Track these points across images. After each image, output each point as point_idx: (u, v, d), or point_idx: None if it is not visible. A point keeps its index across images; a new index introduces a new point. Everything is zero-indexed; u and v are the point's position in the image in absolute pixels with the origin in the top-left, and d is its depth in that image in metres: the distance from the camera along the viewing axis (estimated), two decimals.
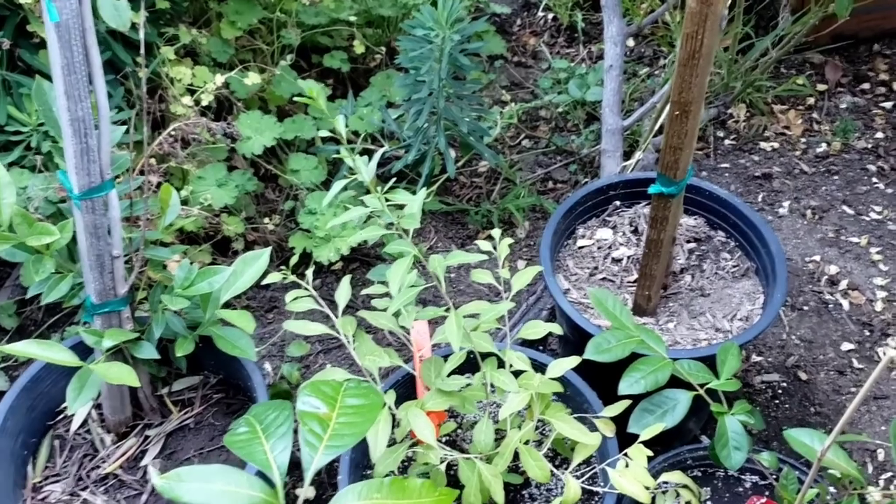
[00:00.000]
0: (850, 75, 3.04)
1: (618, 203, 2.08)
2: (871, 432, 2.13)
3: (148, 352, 1.67)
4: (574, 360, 1.54)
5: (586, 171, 2.75)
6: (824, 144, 2.82)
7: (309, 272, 1.66)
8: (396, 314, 1.65)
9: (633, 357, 1.50)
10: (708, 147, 2.84)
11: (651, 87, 2.95)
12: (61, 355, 1.53)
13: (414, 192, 2.45)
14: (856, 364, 2.25)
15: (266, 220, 2.40)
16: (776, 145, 2.84)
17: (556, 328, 1.59)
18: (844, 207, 2.63)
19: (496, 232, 1.66)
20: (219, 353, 1.69)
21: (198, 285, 1.62)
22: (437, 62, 2.17)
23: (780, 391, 2.21)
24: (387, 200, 1.45)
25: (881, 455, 2.07)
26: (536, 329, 1.61)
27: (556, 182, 2.77)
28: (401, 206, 1.49)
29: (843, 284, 2.42)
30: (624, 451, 1.50)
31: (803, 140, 2.84)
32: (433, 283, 2.44)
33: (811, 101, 2.96)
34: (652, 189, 1.62)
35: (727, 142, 2.86)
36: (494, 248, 1.65)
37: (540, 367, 1.67)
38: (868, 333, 2.32)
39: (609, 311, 1.52)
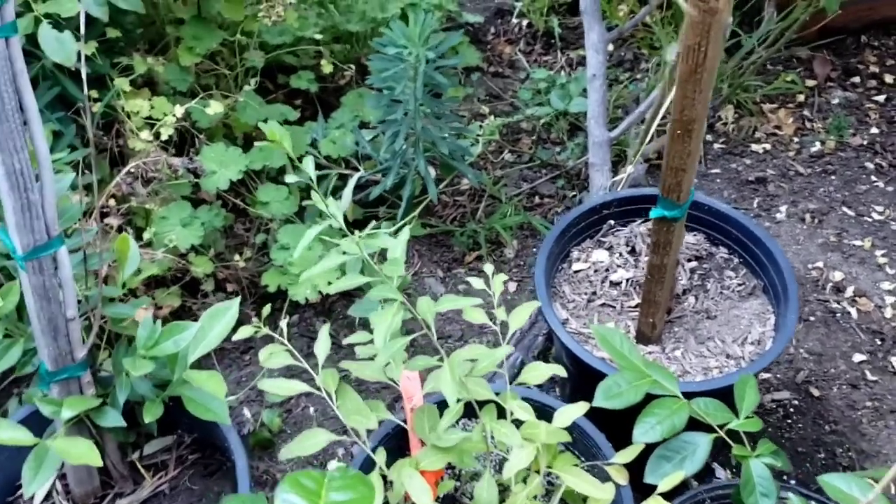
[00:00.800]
0: (839, 69, 2.93)
1: (612, 222, 1.95)
2: (890, 449, 2.01)
3: (113, 419, 1.52)
4: (582, 407, 1.40)
5: (573, 184, 2.62)
6: (818, 143, 2.71)
7: (283, 323, 1.51)
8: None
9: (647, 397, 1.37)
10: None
11: (634, 93, 2.82)
12: (13, 434, 1.38)
13: (394, 218, 2.32)
14: (869, 376, 2.14)
15: (236, 256, 2.25)
16: (768, 147, 2.72)
17: (560, 370, 1.45)
18: (844, 209, 2.52)
19: (488, 267, 1.52)
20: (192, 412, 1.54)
21: (162, 345, 1.48)
22: (411, 81, 2.03)
23: (791, 410, 2.09)
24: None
25: None
26: (538, 372, 1.47)
27: (542, 197, 2.64)
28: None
29: (850, 291, 2.30)
30: None
31: (796, 140, 2.73)
32: (421, 325, 2.31)
33: (801, 98, 2.85)
34: (653, 213, 1.49)
35: (716, 146, 2.74)
36: (487, 284, 1.51)
37: (542, 411, 1.54)
38: (879, 342, 2.20)
39: (617, 351, 1.39)
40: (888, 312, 2.25)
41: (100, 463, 1.35)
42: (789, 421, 2.07)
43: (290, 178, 1.19)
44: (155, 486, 1.70)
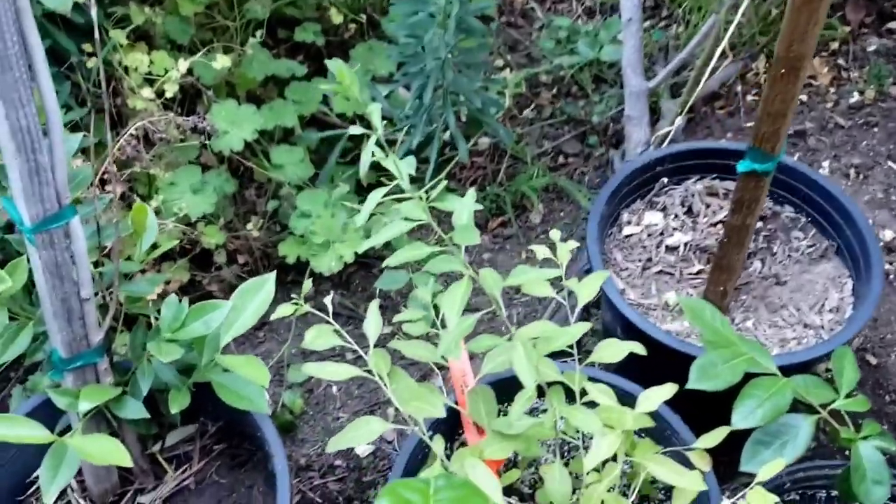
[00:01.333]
0: (873, 14, 2.77)
1: (665, 180, 1.79)
2: None
3: (134, 411, 1.35)
4: (671, 389, 1.25)
5: (601, 140, 2.46)
6: (857, 93, 2.55)
7: (327, 300, 1.34)
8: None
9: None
10: (730, 105, 2.56)
11: (660, 41, 2.64)
12: (28, 431, 1.21)
13: (421, 181, 2.14)
14: None
15: (248, 224, 2.06)
16: (804, 98, 2.56)
17: (640, 348, 1.30)
18: (890, 163, 2.37)
19: (555, 234, 1.36)
20: (218, 397, 1.37)
21: (190, 326, 1.31)
22: (440, 27, 1.85)
23: None
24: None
25: None
26: (613, 349, 1.31)
27: (567, 156, 2.47)
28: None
29: None
30: (741, 494, 1.23)
31: (833, 90, 2.58)
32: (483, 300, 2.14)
33: (835, 45, 2.69)
34: (741, 166, 1.33)
35: (750, 97, 2.58)
36: (553, 252, 1.35)
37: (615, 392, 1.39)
38: None
39: (709, 325, 1.24)
40: None
41: (129, 463, 1.19)
42: None
43: (354, 130, 1.01)
44: (179, 480, 1.53)
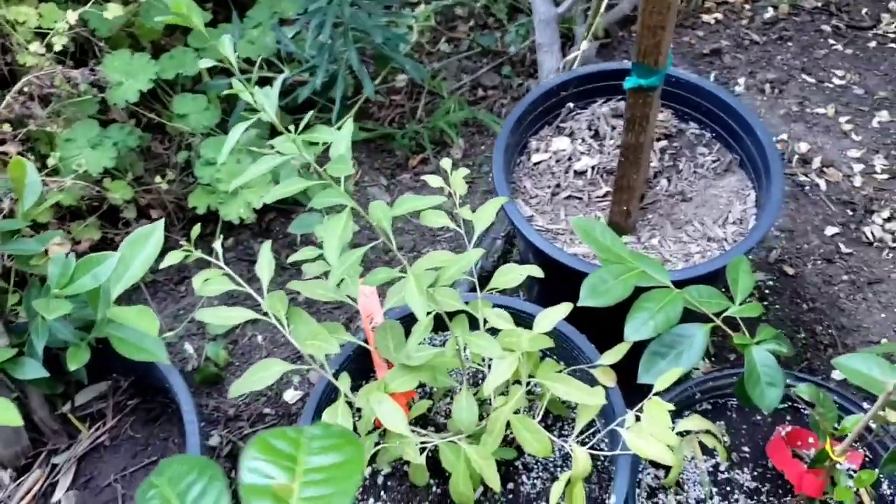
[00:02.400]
0: None
1: (571, 105, 1.78)
2: (870, 322, 1.93)
3: (33, 370, 1.33)
4: (565, 308, 1.25)
5: (518, 72, 2.43)
6: (771, 9, 2.55)
7: (217, 244, 1.32)
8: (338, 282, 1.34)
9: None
10: None
11: None
12: None
13: (329, 122, 2.11)
14: (843, 249, 2.04)
15: (158, 178, 2.02)
16: (720, 16, 2.56)
17: (537, 271, 1.30)
18: (804, 76, 2.38)
19: (446, 162, 1.34)
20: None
21: (79, 281, 1.28)
22: None
23: (767, 291, 1.99)
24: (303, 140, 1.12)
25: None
26: (512, 275, 1.31)
27: (486, 89, 2.45)
28: (314, 144, 1.17)
29: (817, 162, 2.19)
30: (638, 406, 1.24)
31: (748, 7, 2.57)
32: (374, 233, 2.13)
33: None
34: (628, 83, 1.32)
35: None
36: (446, 181, 1.34)
37: (518, 317, 1.39)
38: (851, 213, 2.10)
39: (599, 243, 1.23)
40: (857, 181, 2.14)
41: (19, 422, 1.16)
42: (765, 303, 1.97)
43: (203, 62, 0.98)
44: (93, 437, 1.52)
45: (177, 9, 0.91)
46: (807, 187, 2.14)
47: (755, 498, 1.44)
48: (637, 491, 1.45)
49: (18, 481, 1.47)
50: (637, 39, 1.27)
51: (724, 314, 1.26)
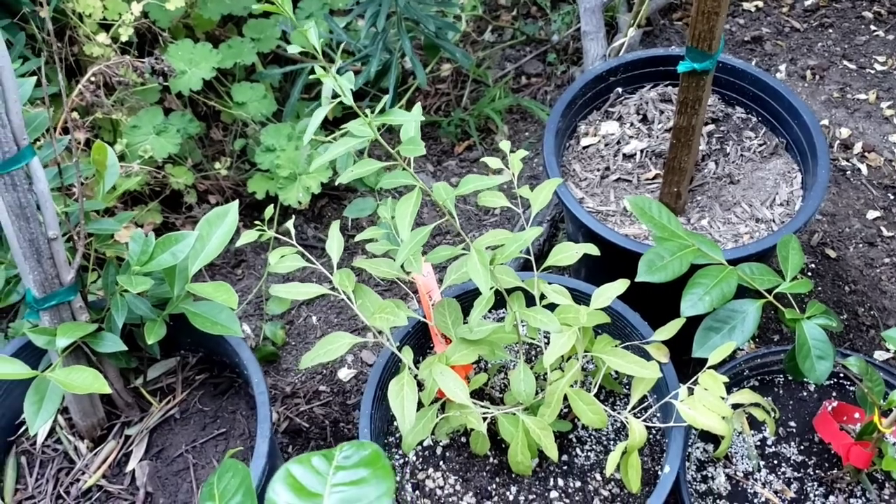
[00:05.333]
0: None
1: (620, 90, 1.83)
2: None
3: (112, 344, 1.40)
4: (622, 285, 1.31)
5: (562, 59, 2.48)
6: None
7: (289, 224, 1.38)
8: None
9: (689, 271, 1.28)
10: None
11: None
12: (9, 368, 1.26)
13: (383, 110, 2.16)
14: (885, 232, 2.07)
15: (216, 164, 2.09)
16: (760, 4, 2.58)
17: (593, 249, 1.35)
18: (845, 62, 2.41)
19: (505, 144, 1.40)
20: (195, 329, 1.42)
21: (158, 258, 1.35)
22: None
23: (809, 274, 2.03)
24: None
25: None
26: (567, 253, 1.37)
27: (529, 76, 2.49)
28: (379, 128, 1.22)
29: (858, 147, 2.22)
30: (693, 379, 1.29)
31: None
32: (430, 216, 2.18)
33: None
34: (681, 66, 1.37)
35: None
36: (504, 163, 1.39)
37: (573, 296, 1.44)
38: (893, 197, 2.13)
39: (655, 220, 1.28)
40: None
41: (108, 390, 1.24)
42: None
43: (292, 48, 1.03)
44: (164, 411, 1.59)
45: None
46: (848, 172, 2.18)
47: (802, 471, 1.49)
48: (687, 464, 1.50)
49: (95, 451, 1.55)
50: (691, 24, 1.32)
51: (776, 291, 1.31)
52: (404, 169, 1.18)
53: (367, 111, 1.17)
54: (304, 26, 2.13)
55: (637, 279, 1.26)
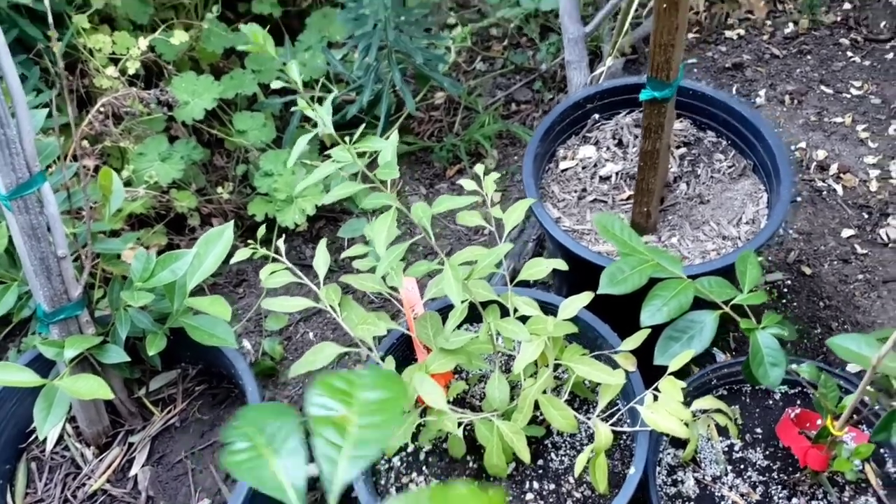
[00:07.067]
0: None
1: (596, 116, 1.93)
2: (884, 318, 2.05)
3: (116, 355, 1.51)
4: (587, 297, 1.40)
5: (549, 87, 2.59)
6: (791, 24, 2.68)
7: (280, 242, 1.49)
8: (383, 275, 1.50)
9: (648, 284, 1.37)
10: None
11: None
12: (20, 376, 1.36)
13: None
14: (859, 250, 2.16)
15: (219, 188, 2.21)
16: (742, 32, 2.69)
17: (561, 264, 1.45)
18: (823, 87, 2.51)
19: (479, 168, 1.50)
20: (194, 343, 1.53)
21: (159, 275, 1.46)
22: None
23: (785, 289, 2.11)
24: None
25: None
26: (538, 268, 1.47)
27: (519, 103, 2.60)
28: (364, 154, 1.33)
29: (834, 168, 2.31)
30: (654, 386, 1.39)
31: (769, 22, 2.70)
32: (415, 234, 2.29)
33: None
34: (643, 95, 1.47)
35: (690, 35, 2.71)
36: (479, 185, 1.49)
37: (545, 308, 1.54)
38: (867, 216, 2.22)
39: (617, 237, 1.38)
40: (873, 186, 2.26)
41: (110, 395, 1.34)
42: (784, 301, 2.09)
43: (274, 84, 1.15)
44: (164, 419, 1.70)
45: (255, 39, 1.08)
46: (824, 192, 2.27)
47: (766, 475, 1.57)
48: (658, 469, 1.59)
49: (100, 457, 1.65)
50: (650, 56, 1.42)
51: (732, 302, 1.40)
52: (381, 191, 1.28)
53: (347, 138, 1.28)
54: (304, 58, 2.26)
55: (599, 291, 1.35)
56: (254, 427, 0.90)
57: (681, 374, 1.44)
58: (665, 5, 1.31)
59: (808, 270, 2.13)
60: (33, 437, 1.67)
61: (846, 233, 2.19)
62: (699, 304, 1.41)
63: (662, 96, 1.44)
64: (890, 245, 2.15)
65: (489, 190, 1.48)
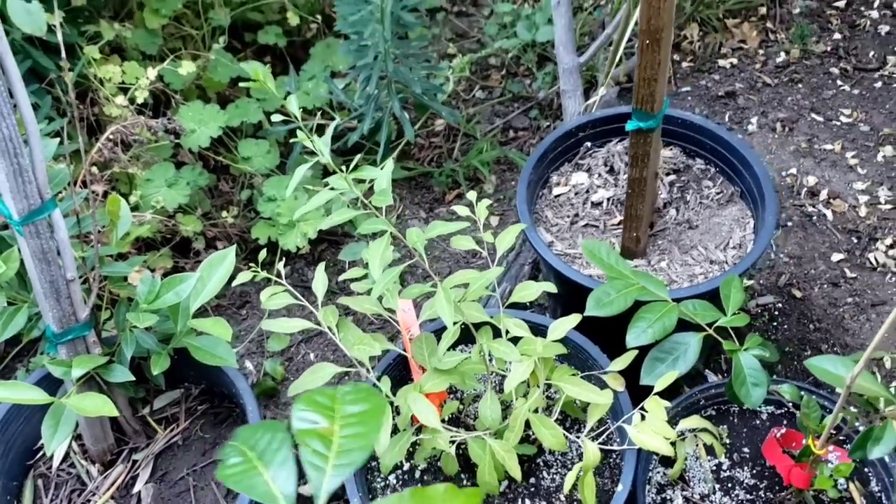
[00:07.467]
0: None
1: (589, 144, 1.99)
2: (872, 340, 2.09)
3: (121, 375, 1.56)
4: (575, 319, 1.45)
5: (546, 114, 2.66)
6: (783, 53, 2.74)
7: (280, 265, 1.55)
8: (380, 297, 1.55)
9: (635, 306, 1.42)
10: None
11: (599, 19, 2.84)
12: (29, 394, 1.42)
13: (374, 163, 2.35)
14: (848, 273, 2.20)
15: (224, 213, 2.27)
16: (735, 61, 2.76)
17: (551, 287, 1.50)
18: (813, 115, 2.57)
19: (472, 194, 1.56)
20: (197, 363, 1.58)
21: (164, 297, 1.51)
22: (379, 23, 2.05)
23: (776, 312, 2.16)
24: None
25: (888, 363, 2.03)
26: (529, 291, 1.52)
27: (516, 130, 2.67)
28: (362, 181, 1.39)
29: (824, 194, 2.36)
30: (640, 405, 1.43)
31: (761, 52, 2.77)
32: (412, 257, 2.35)
33: (763, 10, 2.88)
34: (629, 125, 1.53)
35: (685, 64, 2.78)
36: (472, 210, 1.55)
37: (537, 329, 1.59)
38: (856, 241, 2.27)
39: (604, 262, 1.43)
40: (862, 211, 2.31)
41: (115, 413, 1.40)
42: (775, 323, 2.14)
43: (275, 117, 1.21)
44: (168, 438, 1.75)
45: (255, 76, 1.14)
46: (814, 217, 2.32)
47: (753, 493, 1.61)
48: (647, 487, 1.63)
49: (105, 474, 1.70)
50: (635, 89, 1.48)
51: (716, 324, 1.45)
52: (376, 217, 1.34)
53: (347, 165, 1.34)
54: (307, 86, 2.32)
55: (586, 313, 1.40)
56: (246, 443, 0.95)
57: (671, 394, 1.49)
58: (648, 42, 1.37)
59: (798, 294, 2.18)
60: (40, 454, 1.73)
61: (836, 257, 2.24)
62: (686, 326, 1.46)
63: (648, 126, 1.50)
64: (878, 269, 2.20)
65: (482, 215, 1.54)
